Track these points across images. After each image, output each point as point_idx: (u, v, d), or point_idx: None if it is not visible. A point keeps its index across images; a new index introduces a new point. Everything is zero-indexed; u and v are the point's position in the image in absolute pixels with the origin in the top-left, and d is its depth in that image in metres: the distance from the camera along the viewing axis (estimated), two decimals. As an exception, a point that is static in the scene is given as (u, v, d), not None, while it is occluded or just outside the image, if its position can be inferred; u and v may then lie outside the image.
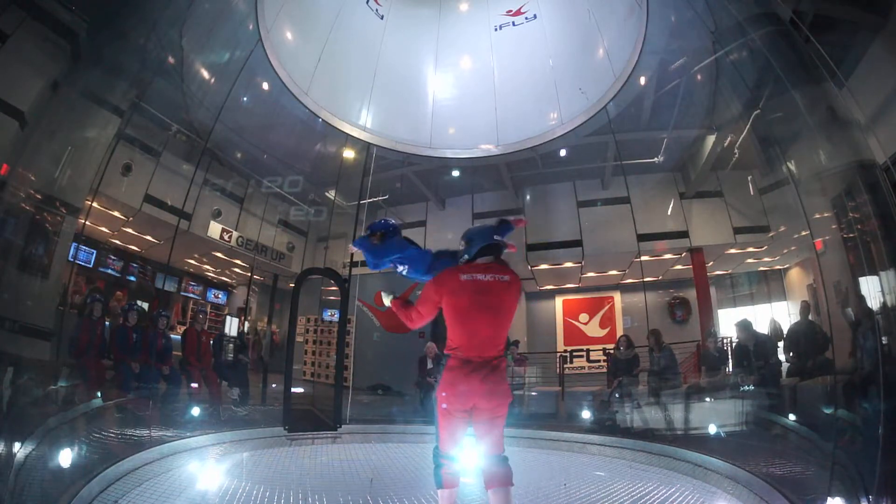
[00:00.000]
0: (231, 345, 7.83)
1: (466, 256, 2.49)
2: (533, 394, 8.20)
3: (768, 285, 10.93)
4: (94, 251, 8.73)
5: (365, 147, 7.90)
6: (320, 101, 7.21)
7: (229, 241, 9.53)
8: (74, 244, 5.80)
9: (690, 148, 8.91)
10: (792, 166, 5.23)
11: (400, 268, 2.85)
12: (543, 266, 10.71)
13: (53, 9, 4.92)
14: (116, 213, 7.83)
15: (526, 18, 7.07)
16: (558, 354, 10.91)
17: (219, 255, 10.44)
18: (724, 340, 7.64)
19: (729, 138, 7.72)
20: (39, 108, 4.91)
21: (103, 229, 8.30)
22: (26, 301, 4.68)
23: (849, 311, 4.13)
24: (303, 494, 3.53)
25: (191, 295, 11.61)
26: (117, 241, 8.92)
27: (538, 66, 7.24)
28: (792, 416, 4.94)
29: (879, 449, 2.73)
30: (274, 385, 7.95)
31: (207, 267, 11.55)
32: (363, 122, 7.66)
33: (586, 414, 6.73)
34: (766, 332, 6.97)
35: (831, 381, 4.33)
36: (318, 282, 10.77)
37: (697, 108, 7.66)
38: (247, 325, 11.52)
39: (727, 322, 9.25)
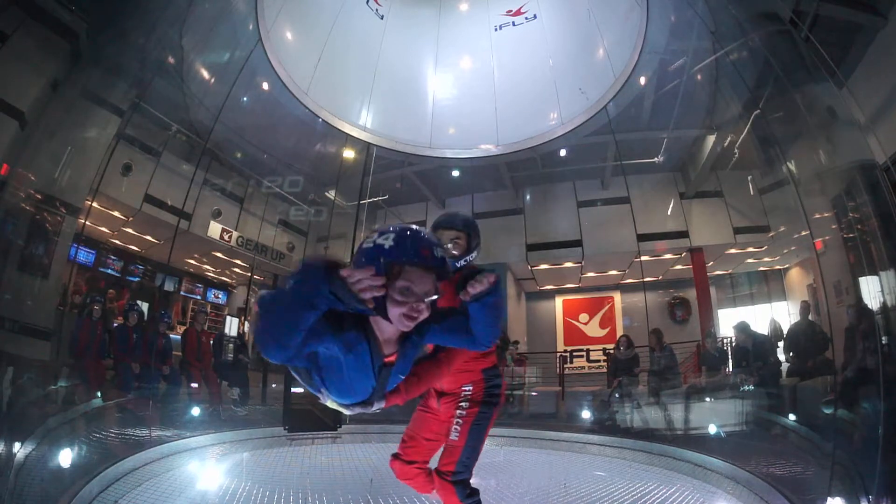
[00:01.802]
0: (231, 345, 7.83)
1: (476, 254, 2.18)
2: (533, 394, 8.20)
3: (768, 285, 10.93)
4: (95, 251, 8.72)
5: (365, 147, 7.90)
6: (320, 101, 7.22)
7: (229, 241, 9.52)
8: (74, 244, 5.80)
9: (690, 148, 8.91)
10: (792, 166, 5.23)
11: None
12: (543, 266, 10.71)
13: (53, 9, 4.91)
14: (116, 213, 7.82)
15: (526, 18, 7.07)
16: (558, 354, 10.91)
17: (219, 255, 10.42)
18: (724, 340, 7.63)
19: (729, 138, 7.72)
20: (39, 108, 4.90)
21: (103, 229, 8.30)
22: (26, 301, 4.68)
23: (848, 312, 4.13)
24: (303, 494, 3.52)
25: (191, 295, 11.61)
26: (117, 241, 8.91)
27: (538, 66, 7.25)
28: (792, 416, 4.94)
29: (879, 449, 2.73)
30: (274, 385, 7.94)
31: (207, 267, 11.54)
32: (363, 122, 7.66)
33: (586, 414, 6.73)
34: (766, 333, 6.97)
35: (832, 381, 4.33)
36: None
37: (697, 108, 7.66)
38: (247, 324, 11.50)
39: (727, 322, 9.25)
